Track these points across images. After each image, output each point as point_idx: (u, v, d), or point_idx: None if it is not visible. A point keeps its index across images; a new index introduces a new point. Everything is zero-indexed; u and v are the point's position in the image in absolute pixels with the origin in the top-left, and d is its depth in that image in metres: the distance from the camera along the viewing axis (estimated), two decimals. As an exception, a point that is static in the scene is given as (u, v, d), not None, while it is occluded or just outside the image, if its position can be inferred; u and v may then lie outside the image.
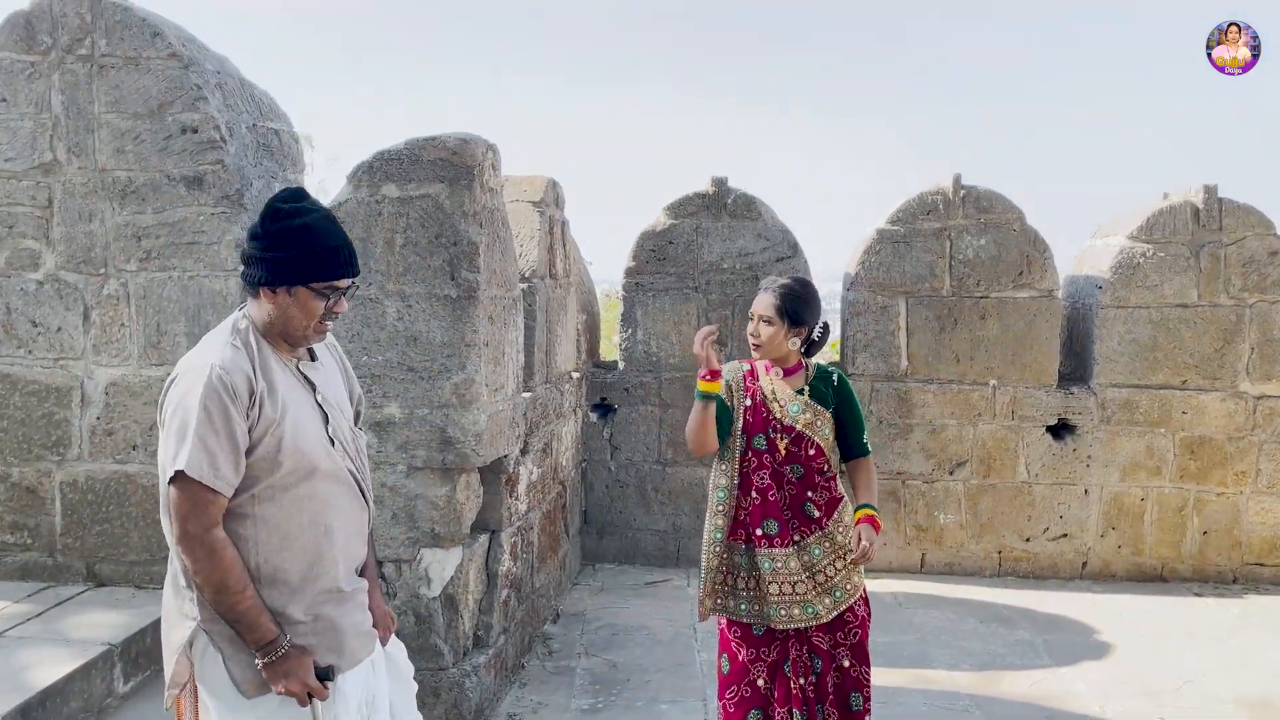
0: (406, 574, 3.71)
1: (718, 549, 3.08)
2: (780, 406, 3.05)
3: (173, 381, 2.13)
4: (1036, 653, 4.65)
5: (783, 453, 3.03)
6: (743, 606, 3.04)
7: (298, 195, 2.21)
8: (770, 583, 2.98)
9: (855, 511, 3.06)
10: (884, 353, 5.72)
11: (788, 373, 3.08)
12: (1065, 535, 5.73)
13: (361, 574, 2.32)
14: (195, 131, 4.25)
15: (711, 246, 5.76)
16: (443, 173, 3.60)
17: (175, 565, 2.16)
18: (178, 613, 2.16)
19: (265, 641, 2.07)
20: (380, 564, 3.72)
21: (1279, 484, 5.57)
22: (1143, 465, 5.63)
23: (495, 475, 4.06)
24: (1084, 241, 6.22)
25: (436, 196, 3.60)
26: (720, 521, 3.08)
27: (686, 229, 5.76)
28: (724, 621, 3.12)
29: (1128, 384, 5.60)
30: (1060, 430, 5.71)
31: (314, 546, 2.18)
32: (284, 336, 2.20)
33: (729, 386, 3.07)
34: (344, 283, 2.21)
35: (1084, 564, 5.74)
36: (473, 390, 3.66)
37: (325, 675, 2.13)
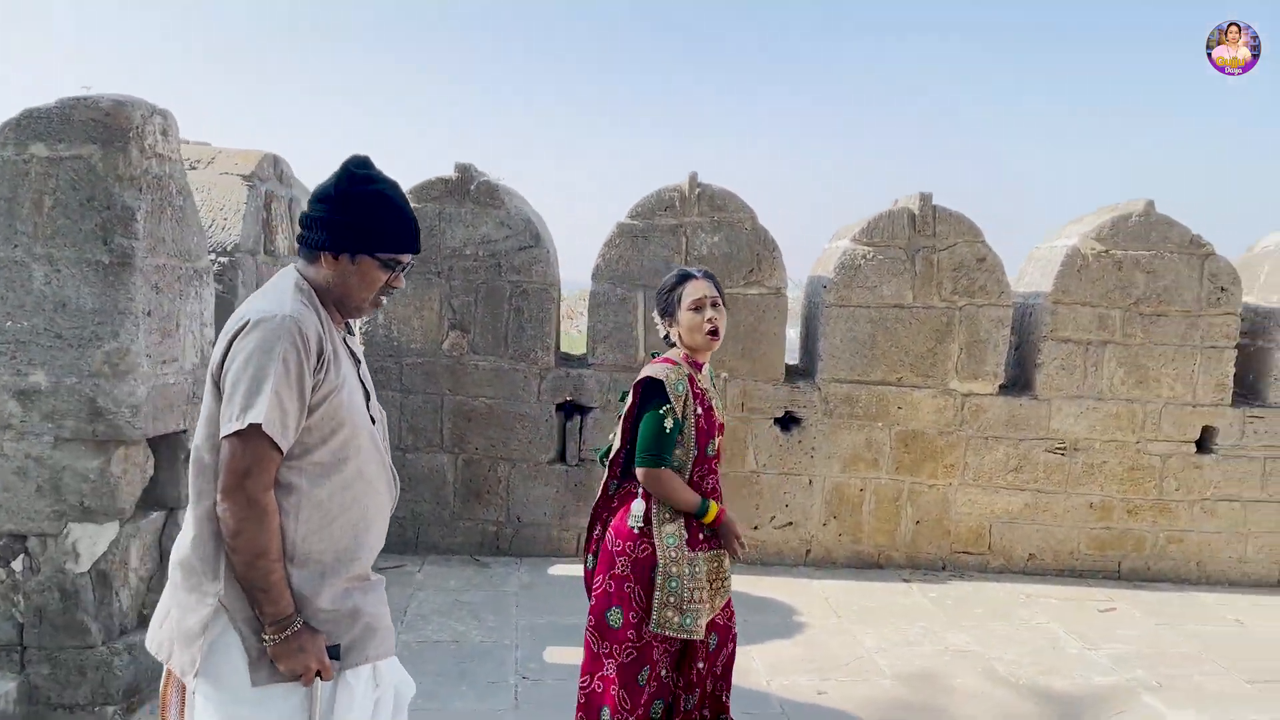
0: (51, 548, 3.57)
1: (682, 558, 2.95)
2: (718, 406, 3.10)
3: (241, 329, 1.99)
4: (732, 632, 4.83)
5: (718, 453, 3.10)
6: (687, 620, 2.93)
7: (368, 163, 2.12)
8: (708, 586, 3.00)
9: (711, 506, 3.04)
10: (623, 344, 5.85)
11: (701, 367, 3.07)
12: (791, 524, 5.98)
13: None
14: None
15: (454, 232, 5.77)
16: (96, 134, 3.48)
17: (197, 534, 2.04)
18: (194, 591, 2.04)
19: (282, 616, 1.98)
20: (24, 538, 3.58)
21: (983, 477, 5.95)
22: (862, 457, 5.93)
23: (172, 451, 3.95)
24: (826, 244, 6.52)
25: (89, 158, 3.48)
26: (670, 528, 2.96)
27: (429, 214, 5.75)
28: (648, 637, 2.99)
29: (849, 379, 5.89)
30: (787, 422, 5.95)
31: (352, 529, 2.10)
32: (339, 304, 2.12)
33: (679, 398, 2.92)
34: (407, 257, 2.14)
35: (808, 551, 6.00)
36: (128, 360, 3.55)
37: (334, 654, 2.06)
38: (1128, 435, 5.92)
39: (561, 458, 5.93)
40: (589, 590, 3.10)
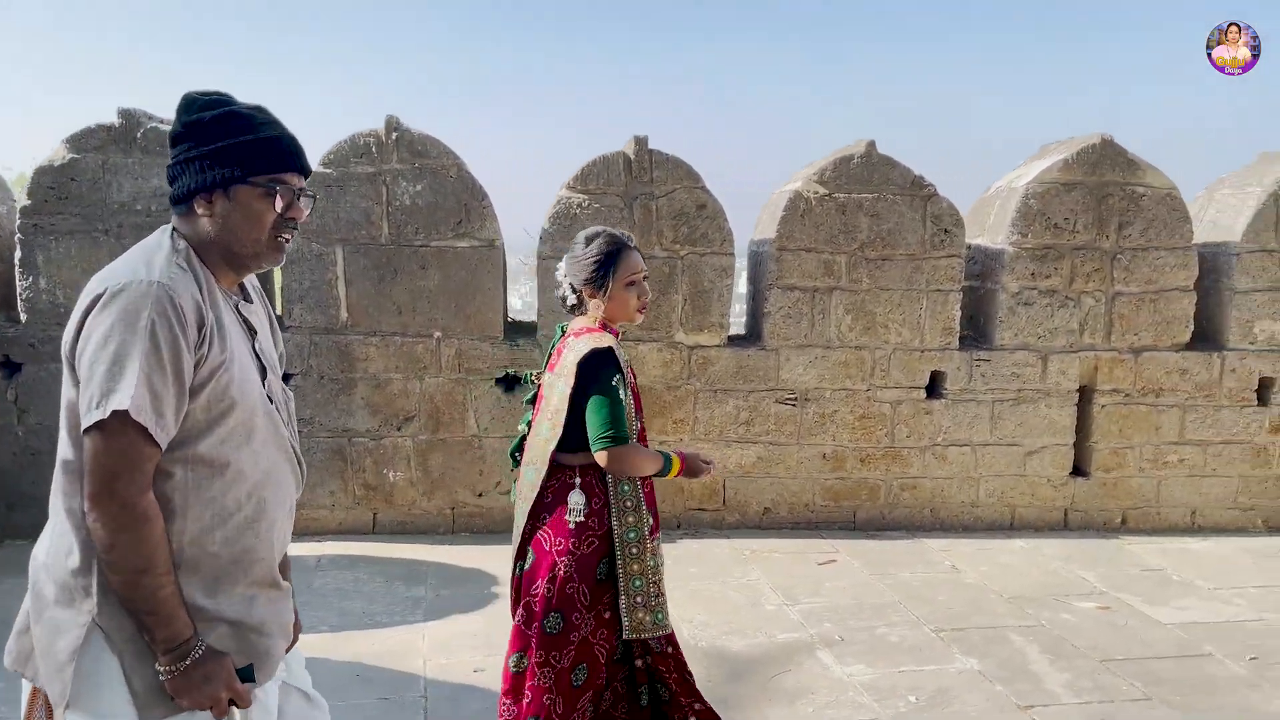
0: None
1: (644, 551, 2.72)
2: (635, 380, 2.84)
3: (97, 300, 1.63)
4: (413, 609, 4.51)
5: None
6: (659, 616, 2.74)
7: (210, 92, 1.81)
8: (659, 575, 2.76)
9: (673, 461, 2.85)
10: (322, 304, 5.41)
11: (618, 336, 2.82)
12: (517, 488, 5.67)
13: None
14: None
15: (123, 185, 5.20)
16: None
17: (64, 543, 1.70)
18: (67, 607, 1.69)
19: (179, 641, 1.66)
20: None
21: (715, 431, 5.75)
22: (588, 416, 5.65)
23: None
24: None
25: None
26: (632, 519, 2.70)
27: (91, 165, 5.17)
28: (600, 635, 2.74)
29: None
30: (511, 383, 5.63)
31: (250, 527, 1.78)
32: (229, 258, 1.79)
33: (626, 367, 2.72)
34: (294, 178, 1.81)
35: (536, 516, 5.71)
36: None
37: (247, 676, 1.75)
38: (858, 383, 5.79)
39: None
40: (515, 601, 2.82)
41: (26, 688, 1.80)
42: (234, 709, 1.75)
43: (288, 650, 1.97)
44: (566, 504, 2.70)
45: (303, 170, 1.85)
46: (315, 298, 5.40)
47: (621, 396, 2.63)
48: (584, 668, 2.72)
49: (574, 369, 2.65)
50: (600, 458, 2.62)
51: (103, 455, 1.60)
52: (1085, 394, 5.97)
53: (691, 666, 3.76)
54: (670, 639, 2.88)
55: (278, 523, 1.87)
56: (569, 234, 5.49)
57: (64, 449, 1.71)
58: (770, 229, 5.72)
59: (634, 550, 2.70)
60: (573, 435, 2.68)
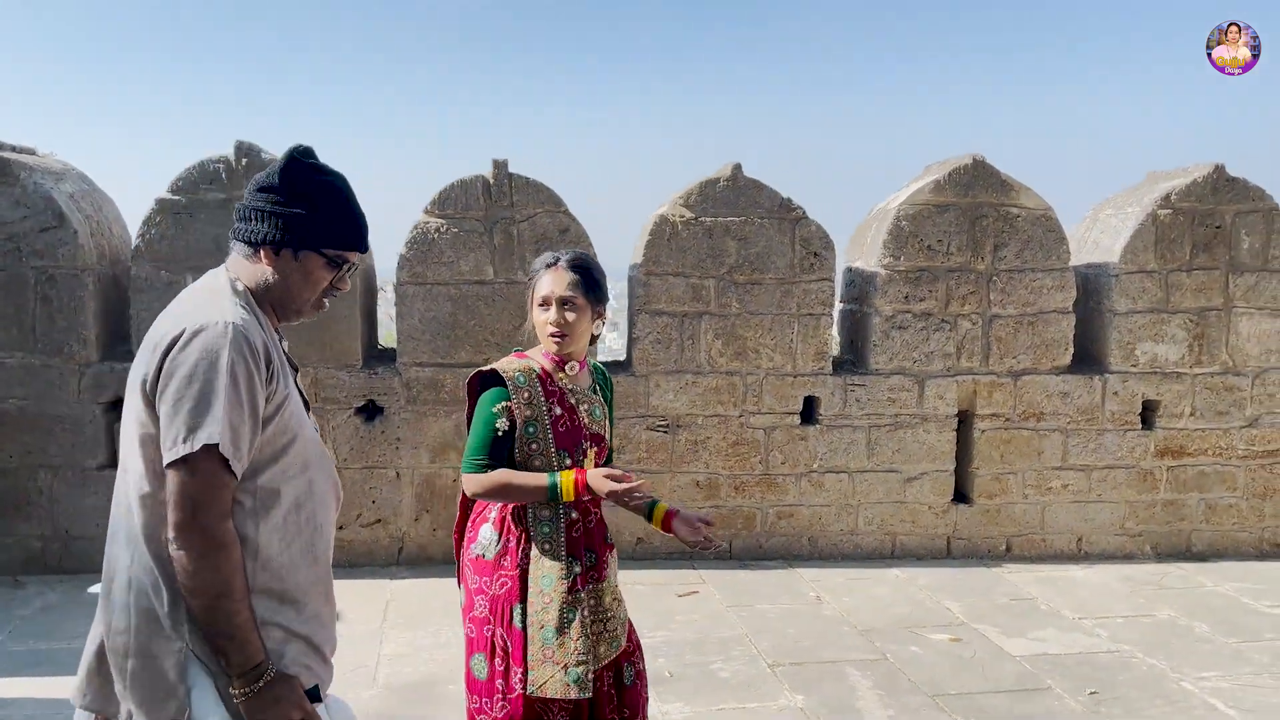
0: None
1: (555, 603, 2.49)
2: (586, 411, 2.60)
3: (176, 341, 1.74)
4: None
5: (592, 465, 2.59)
6: (572, 676, 2.46)
7: (313, 152, 1.94)
8: (584, 630, 2.49)
9: (655, 509, 2.61)
10: (173, 333, 5.29)
11: (580, 368, 2.64)
12: (379, 520, 5.54)
13: None
14: None
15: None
16: None
17: (149, 577, 1.79)
18: (159, 638, 1.78)
19: (252, 665, 1.76)
20: None
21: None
22: (452, 445, 5.53)
23: None
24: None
25: None
26: (549, 564, 2.50)
27: None
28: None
29: (432, 363, 5.48)
30: (371, 412, 5.51)
31: (310, 549, 1.91)
32: (278, 306, 1.93)
33: (522, 391, 2.52)
34: (355, 256, 1.95)
35: (400, 549, 5.58)
36: None
37: (314, 697, 1.87)
38: (730, 409, 5.68)
39: (114, 462, 5.34)
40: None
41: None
42: None
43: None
44: (477, 536, 2.58)
45: (364, 249, 1.99)
46: (165, 327, 5.28)
47: (498, 425, 2.50)
48: None
49: (466, 390, 2.63)
50: (463, 483, 2.55)
51: (189, 487, 1.71)
52: (965, 419, 5.85)
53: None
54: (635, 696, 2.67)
55: (330, 543, 2.01)
56: (427, 259, 5.41)
57: (138, 483, 1.79)
58: (639, 254, 5.62)
59: (549, 599, 2.48)
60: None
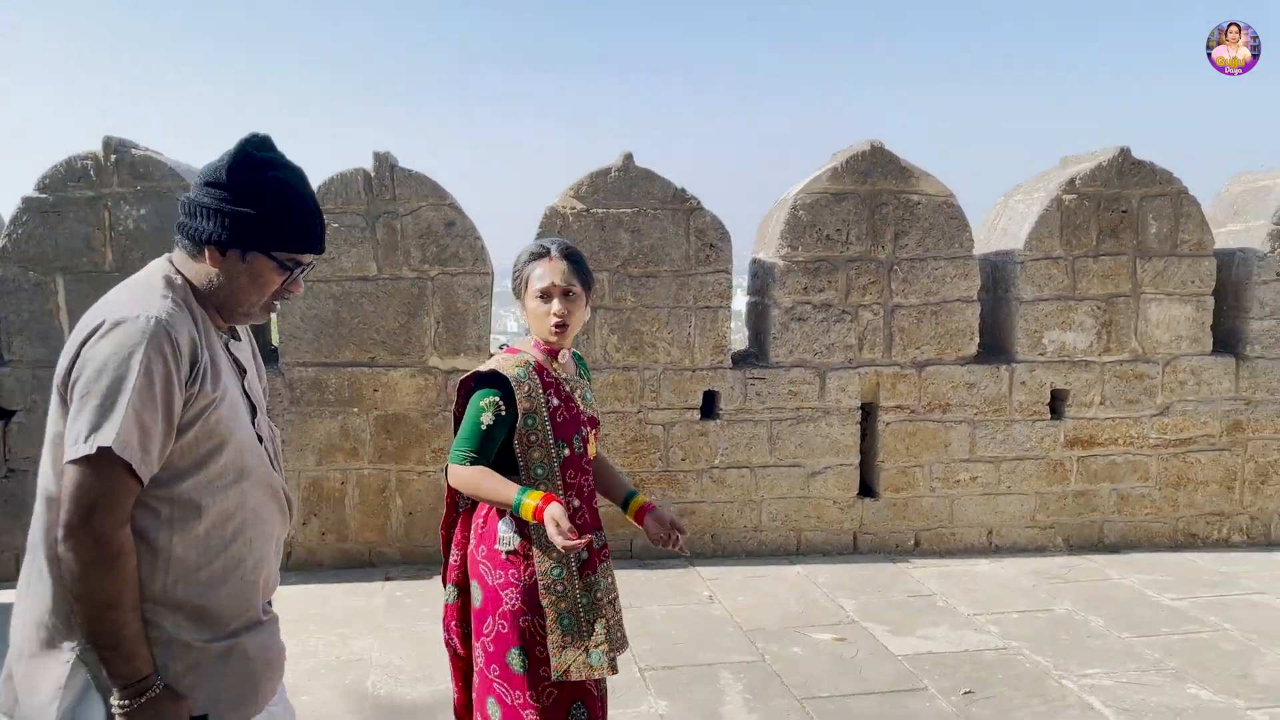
0: None
1: (571, 590, 2.49)
2: (580, 397, 2.61)
3: (94, 332, 1.65)
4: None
5: (590, 452, 2.61)
6: (595, 658, 2.49)
7: (269, 143, 1.80)
8: (601, 611, 2.53)
9: (632, 500, 2.67)
10: (44, 336, 5.11)
11: (567, 353, 2.65)
12: (266, 525, 5.38)
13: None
14: None
15: None
16: None
17: (44, 582, 1.71)
18: (47, 646, 1.70)
19: (137, 678, 1.65)
20: None
21: (477, 459, 5.47)
22: (340, 447, 5.37)
23: None
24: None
25: None
26: (555, 554, 2.47)
27: None
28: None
29: (315, 362, 5.32)
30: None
31: (236, 567, 1.79)
32: (222, 308, 1.81)
33: (523, 385, 2.48)
34: (308, 258, 1.84)
35: (289, 555, 5.42)
36: None
37: None
38: (628, 405, 5.53)
39: (-15, 470, 5.17)
40: (448, 630, 2.65)
41: None
42: None
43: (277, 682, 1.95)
44: (496, 533, 2.53)
45: (318, 250, 1.86)
46: (36, 329, 5.11)
47: (484, 420, 2.45)
48: (581, 709, 2.54)
49: (458, 390, 2.60)
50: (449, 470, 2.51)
51: (83, 488, 1.60)
52: (869, 411, 5.73)
53: (351, 718, 3.50)
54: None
55: (264, 562, 1.87)
56: (308, 256, 5.23)
57: (46, 482, 1.71)
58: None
59: (559, 588, 2.48)
60: (496, 461, 2.50)
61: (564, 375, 2.59)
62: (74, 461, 1.61)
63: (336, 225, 5.24)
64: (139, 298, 1.71)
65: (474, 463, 2.44)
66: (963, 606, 4.91)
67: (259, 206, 1.74)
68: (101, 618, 1.63)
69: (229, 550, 1.78)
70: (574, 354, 2.75)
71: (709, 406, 5.64)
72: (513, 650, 2.49)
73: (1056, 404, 5.81)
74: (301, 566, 5.42)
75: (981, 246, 6.16)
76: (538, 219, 5.49)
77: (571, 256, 2.56)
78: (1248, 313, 5.86)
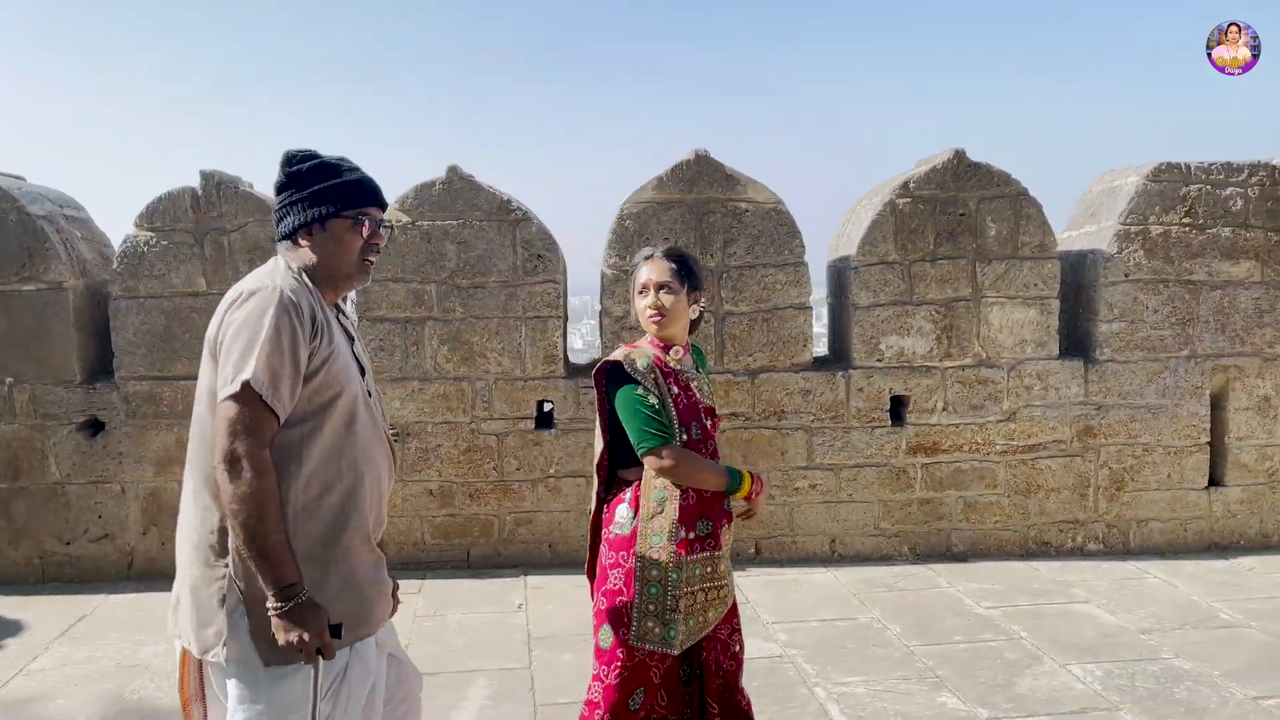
0: None
1: (668, 560, 2.66)
2: (698, 388, 2.81)
3: (235, 301, 2.06)
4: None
5: (711, 439, 2.79)
6: (670, 633, 2.67)
7: (305, 151, 2.21)
8: (701, 594, 2.71)
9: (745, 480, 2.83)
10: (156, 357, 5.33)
11: (684, 349, 2.84)
12: (107, 535, 5.53)
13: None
14: None
15: None
16: None
17: (200, 506, 2.08)
18: (204, 566, 2.07)
19: (286, 584, 1.97)
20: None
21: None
22: (177, 459, 5.49)
23: None
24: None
25: None
26: (656, 523, 2.67)
27: None
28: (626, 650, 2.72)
29: (149, 376, 5.46)
30: (94, 427, 5.50)
31: (351, 498, 2.13)
32: (328, 278, 2.20)
33: (647, 375, 2.68)
34: (375, 211, 2.22)
35: (130, 564, 5.56)
36: None
37: (335, 633, 2.03)
38: (460, 416, 5.59)
39: None
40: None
41: (178, 648, 2.19)
42: (320, 657, 2.00)
43: (391, 615, 2.29)
44: (614, 517, 2.74)
45: (381, 205, 2.25)
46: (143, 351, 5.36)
47: (649, 400, 2.63)
48: (640, 693, 2.71)
49: (595, 383, 2.80)
50: (648, 463, 2.64)
51: (233, 419, 1.96)
52: (705, 419, 5.71)
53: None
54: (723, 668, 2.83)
55: (373, 498, 2.19)
56: (138, 273, 5.40)
57: (203, 425, 2.08)
58: (360, 260, 5.57)
59: (653, 556, 2.65)
60: (621, 449, 2.75)
61: (679, 368, 2.77)
62: (225, 399, 1.97)
63: (166, 243, 5.39)
64: (269, 277, 2.11)
65: (668, 441, 2.62)
66: (767, 615, 4.87)
67: (316, 184, 2.16)
68: (252, 530, 1.94)
69: (343, 481, 2.11)
70: (693, 347, 2.93)
71: (544, 416, 5.67)
72: (604, 628, 2.73)
73: (898, 410, 5.75)
74: (144, 574, 5.55)
75: (833, 253, 6.13)
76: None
77: (674, 257, 2.80)
78: (1096, 315, 5.74)
